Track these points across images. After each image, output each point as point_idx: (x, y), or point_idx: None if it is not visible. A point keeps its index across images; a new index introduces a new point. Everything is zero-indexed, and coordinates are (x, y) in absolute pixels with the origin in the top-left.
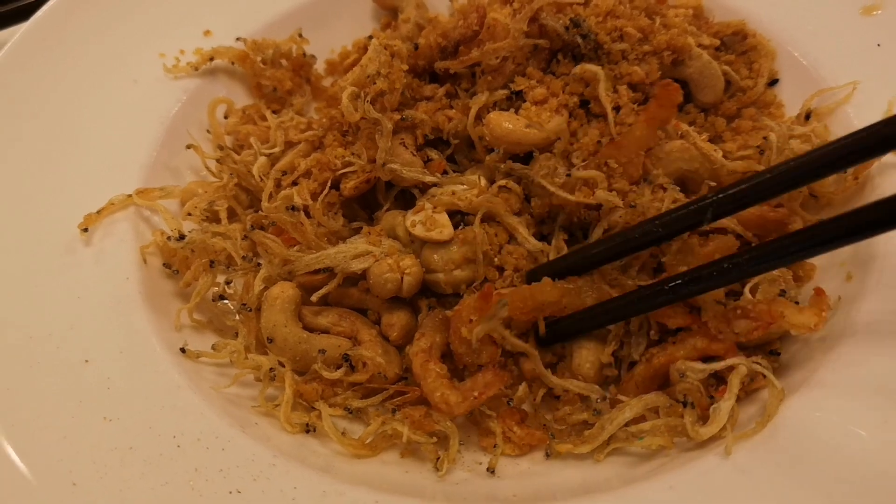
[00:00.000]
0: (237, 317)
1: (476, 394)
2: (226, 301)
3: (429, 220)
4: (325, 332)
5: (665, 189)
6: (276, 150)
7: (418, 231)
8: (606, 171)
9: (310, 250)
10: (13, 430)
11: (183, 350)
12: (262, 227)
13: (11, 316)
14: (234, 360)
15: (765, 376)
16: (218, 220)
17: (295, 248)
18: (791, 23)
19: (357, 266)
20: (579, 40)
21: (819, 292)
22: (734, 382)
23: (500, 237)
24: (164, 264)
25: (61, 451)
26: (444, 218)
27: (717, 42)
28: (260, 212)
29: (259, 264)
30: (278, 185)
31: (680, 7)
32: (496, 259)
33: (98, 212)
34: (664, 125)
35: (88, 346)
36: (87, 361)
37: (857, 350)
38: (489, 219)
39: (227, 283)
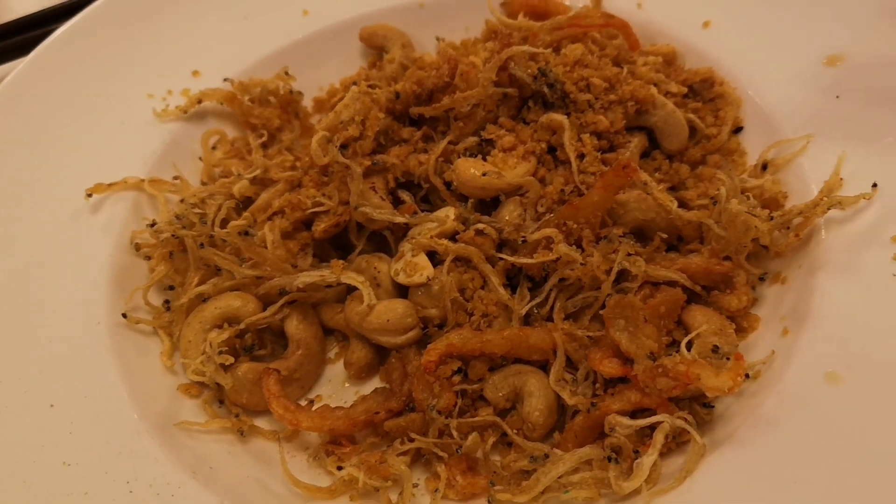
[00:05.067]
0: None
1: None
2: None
3: (408, 266)
4: None
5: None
6: (257, 172)
7: (401, 279)
8: (565, 230)
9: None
10: None
11: (125, 315)
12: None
13: None
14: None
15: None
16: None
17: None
18: (758, 71)
19: (300, 282)
20: (546, 89)
21: (738, 357)
22: (658, 438)
23: (476, 282)
24: (139, 252)
25: (20, 497)
26: (423, 260)
27: (685, 89)
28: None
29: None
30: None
31: (651, 54)
32: (468, 306)
33: (109, 185)
34: (620, 191)
35: (55, 391)
36: (52, 406)
37: (779, 410)
38: (467, 261)
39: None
